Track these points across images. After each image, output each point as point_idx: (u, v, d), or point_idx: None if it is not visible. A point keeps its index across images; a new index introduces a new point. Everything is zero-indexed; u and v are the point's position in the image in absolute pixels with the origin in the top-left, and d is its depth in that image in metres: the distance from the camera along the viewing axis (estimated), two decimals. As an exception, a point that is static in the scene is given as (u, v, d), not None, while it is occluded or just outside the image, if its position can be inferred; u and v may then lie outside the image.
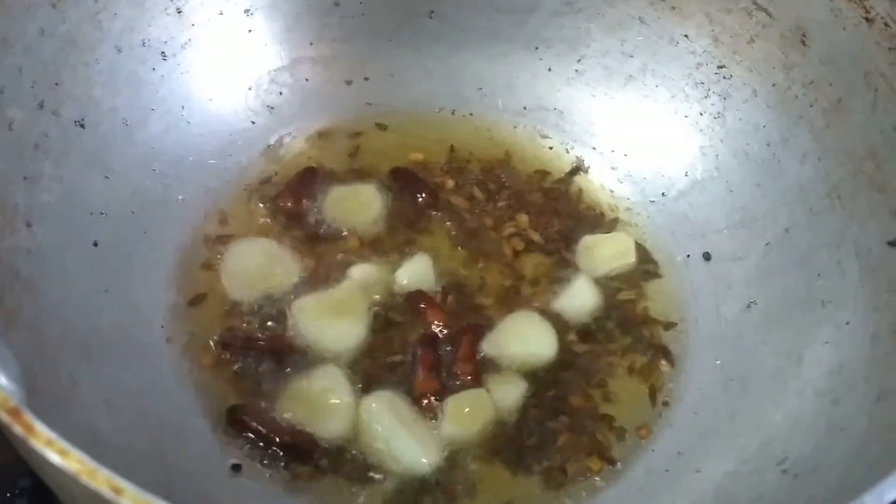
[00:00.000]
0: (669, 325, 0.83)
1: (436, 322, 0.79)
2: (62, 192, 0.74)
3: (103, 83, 0.79)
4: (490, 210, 0.89)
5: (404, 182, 0.89)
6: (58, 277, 0.70)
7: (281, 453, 0.71)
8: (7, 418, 0.42)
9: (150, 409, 0.70)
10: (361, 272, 0.82)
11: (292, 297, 0.79)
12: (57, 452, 0.41)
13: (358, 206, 0.87)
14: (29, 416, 0.42)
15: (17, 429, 0.42)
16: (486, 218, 0.88)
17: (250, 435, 0.71)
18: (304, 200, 0.86)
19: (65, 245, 0.72)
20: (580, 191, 0.92)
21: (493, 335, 0.79)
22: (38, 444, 0.41)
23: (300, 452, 0.71)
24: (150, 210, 0.81)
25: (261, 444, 0.71)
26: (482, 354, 0.78)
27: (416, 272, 0.82)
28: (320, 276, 0.82)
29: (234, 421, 0.72)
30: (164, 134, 0.84)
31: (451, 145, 0.93)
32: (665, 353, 0.81)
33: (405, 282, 0.82)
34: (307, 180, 0.87)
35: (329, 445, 0.72)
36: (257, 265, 0.81)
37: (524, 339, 0.79)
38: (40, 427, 0.42)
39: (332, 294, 0.80)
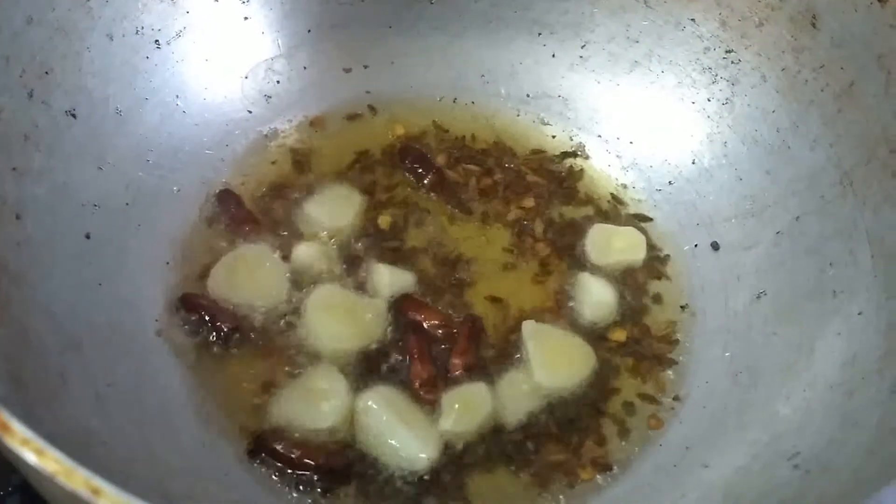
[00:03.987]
0: (674, 323, 0.81)
1: (430, 321, 0.77)
2: (53, 184, 0.72)
3: (95, 72, 0.77)
4: (492, 192, 0.88)
5: (412, 161, 0.88)
6: (48, 271, 0.68)
7: (315, 477, 0.69)
8: (-18, 416, 0.41)
9: (142, 404, 0.69)
10: (305, 252, 0.80)
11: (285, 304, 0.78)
12: (33, 452, 0.39)
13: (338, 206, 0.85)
14: (4, 414, 0.40)
15: (-8, 427, 0.40)
16: (488, 202, 0.87)
17: (279, 464, 0.69)
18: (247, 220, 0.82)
19: (56, 238, 0.71)
20: (585, 179, 0.90)
21: (530, 350, 0.76)
22: (13, 443, 0.39)
23: (337, 473, 0.69)
24: (145, 202, 0.79)
25: (290, 470, 0.69)
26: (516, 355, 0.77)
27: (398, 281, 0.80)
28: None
29: (262, 450, 0.70)
30: (158, 124, 0.83)
31: (434, 121, 0.92)
32: (669, 362, 0.79)
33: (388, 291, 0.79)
34: (226, 204, 0.83)
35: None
36: (252, 272, 0.79)
37: (557, 370, 0.76)
38: (16, 425, 0.40)
39: (351, 298, 0.78)
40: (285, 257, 0.80)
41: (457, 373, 0.74)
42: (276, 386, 0.73)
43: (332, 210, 0.83)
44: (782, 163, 0.82)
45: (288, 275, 0.79)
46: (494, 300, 0.80)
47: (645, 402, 0.76)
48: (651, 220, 0.87)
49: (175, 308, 0.76)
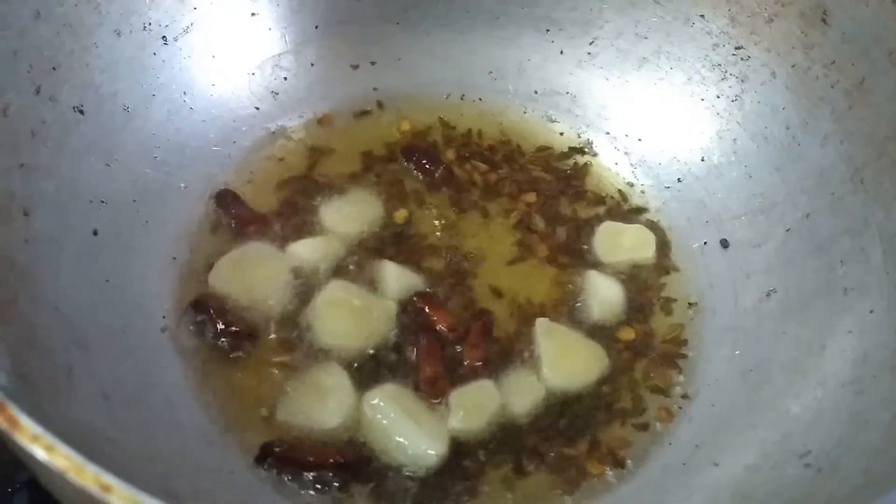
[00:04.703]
0: (683, 322, 0.80)
1: (442, 324, 0.76)
2: (61, 180, 0.72)
3: (103, 68, 0.77)
4: (499, 189, 0.87)
5: (420, 158, 0.87)
6: (55, 267, 0.68)
7: (330, 474, 0.68)
8: (-9, 412, 0.40)
9: (149, 402, 0.69)
10: (311, 249, 0.79)
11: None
12: (43, 448, 0.39)
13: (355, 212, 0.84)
14: (14, 410, 0.40)
15: (2, 423, 0.40)
16: (496, 199, 0.87)
17: (293, 468, 0.68)
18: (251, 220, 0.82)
19: (63, 234, 0.70)
20: (593, 176, 0.89)
21: (542, 348, 0.75)
22: (23, 440, 0.39)
23: (352, 468, 0.68)
24: (152, 198, 0.79)
25: (304, 473, 0.68)
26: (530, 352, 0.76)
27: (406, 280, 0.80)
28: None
29: (269, 456, 0.69)
30: (165, 120, 0.82)
31: (440, 117, 0.91)
32: (678, 360, 0.78)
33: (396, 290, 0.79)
34: (227, 204, 0.82)
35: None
36: (257, 270, 0.78)
37: (568, 369, 0.75)
38: (26, 421, 0.40)
39: (361, 295, 0.77)
40: (291, 255, 0.79)
41: (469, 365, 0.74)
42: (282, 384, 0.73)
43: (343, 209, 0.83)
44: (792, 160, 0.81)
45: (294, 272, 0.78)
46: (502, 297, 0.80)
47: (654, 401, 0.76)
48: (659, 217, 0.87)
49: (184, 309, 0.75)
